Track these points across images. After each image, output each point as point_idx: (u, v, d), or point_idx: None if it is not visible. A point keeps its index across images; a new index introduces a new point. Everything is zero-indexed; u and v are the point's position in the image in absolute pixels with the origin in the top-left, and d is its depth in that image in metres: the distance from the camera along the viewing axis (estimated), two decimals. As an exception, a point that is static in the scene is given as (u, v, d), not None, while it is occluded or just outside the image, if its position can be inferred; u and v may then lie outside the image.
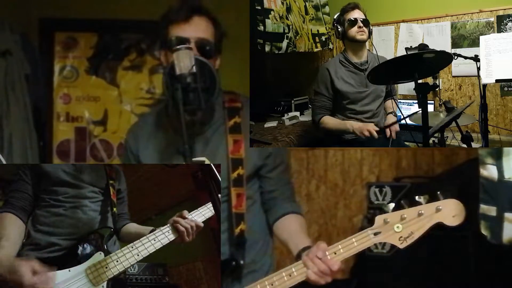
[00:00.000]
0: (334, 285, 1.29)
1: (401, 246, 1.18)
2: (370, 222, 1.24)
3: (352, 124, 2.53)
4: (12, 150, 2.83)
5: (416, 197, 1.18)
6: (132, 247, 1.32)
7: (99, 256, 1.34)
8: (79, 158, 3.25)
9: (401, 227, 1.17)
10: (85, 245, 1.37)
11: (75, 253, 1.36)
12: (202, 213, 1.50)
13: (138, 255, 1.31)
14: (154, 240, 1.36)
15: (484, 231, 2.25)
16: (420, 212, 1.16)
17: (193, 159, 1.38)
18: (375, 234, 1.21)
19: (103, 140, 3.28)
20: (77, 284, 1.26)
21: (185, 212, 1.48)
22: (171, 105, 1.39)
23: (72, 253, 1.36)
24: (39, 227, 1.50)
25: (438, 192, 1.17)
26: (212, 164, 1.55)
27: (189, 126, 1.34)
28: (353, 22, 2.58)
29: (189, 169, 1.84)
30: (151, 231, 1.48)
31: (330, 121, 2.66)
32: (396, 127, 2.58)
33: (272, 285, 1.24)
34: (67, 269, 1.29)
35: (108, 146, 3.26)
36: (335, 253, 1.22)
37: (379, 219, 1.21)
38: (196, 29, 1.50)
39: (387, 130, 2.57)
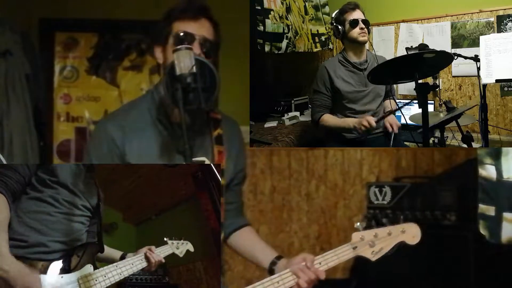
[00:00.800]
0: (334, 285, 1.34)
1: (373, 259, 1.38)
2: (370, 221, 1.43)
3: (353, 121, 2.53)
4: (12, 150, 2.83)
5: (384, 220, 1.42)
6: (117, 266, 1.42)
7: (89, 268, 1.36)
8: (79, 158, 3.24)
9: (374, 243, 1.39)
10: (78, 254, 1.38)
11: (68, 260, 1.35)
12: (161, 252, 1.61)
13: (120, 274, 1.42)
14: (133, 265, 1.49)
15: (483, 231, 2.25)
16: (389, 232, 1.39)
17: (193, 159, 1.39)
18: (354, 248, 1.39)
19: (103, 140, 3.28)
20: (72, 291, 1.29)
21: (153, 248, 1.58)
22: (171, 104, 1.38)
23: (64, 260, 1.35)
24: (26, 219, 1.36)
25: (401, 217, 1.41)
26: (212, 164, 1.57)
27: (188, 124, 1.36)
28: (355, 23, 2.57)
29: (189, 169, 1.84)
30: (122, 255, 1.59)
31: (330, 119, 2.66)
32: (397, 121, 2.58)
33: None
34: (60, 275, 1.29)
35: (108, 146, 3.25)
36: (320, 263, 1.38)
37: (355, 236, 1.39)
38: (202, 28, 1.51)
39: (388, 125, 2.56)
